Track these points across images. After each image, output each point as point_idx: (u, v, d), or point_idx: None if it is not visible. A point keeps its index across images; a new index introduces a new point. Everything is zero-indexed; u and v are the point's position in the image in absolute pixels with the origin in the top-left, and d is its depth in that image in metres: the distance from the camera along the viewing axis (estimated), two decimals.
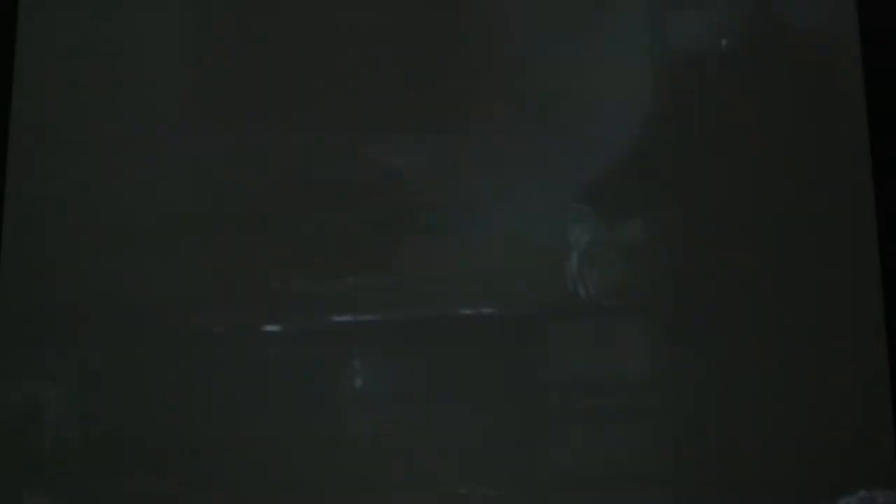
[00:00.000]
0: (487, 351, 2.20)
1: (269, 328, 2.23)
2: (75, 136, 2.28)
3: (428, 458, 2.17)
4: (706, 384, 2.15)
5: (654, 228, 2.22)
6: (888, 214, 2.23)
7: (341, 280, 2.24)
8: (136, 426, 2.19)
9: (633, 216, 2.21)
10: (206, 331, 2.23)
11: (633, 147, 2.22)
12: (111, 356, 2.22)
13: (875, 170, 2.24)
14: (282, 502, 2.16)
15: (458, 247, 2.23)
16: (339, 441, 2.20)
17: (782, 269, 2.17)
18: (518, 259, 2.19)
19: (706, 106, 2.21)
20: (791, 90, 2.21)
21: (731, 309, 2.17)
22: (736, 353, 2.15)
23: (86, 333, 2.23)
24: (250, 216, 2.25)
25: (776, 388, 2.15)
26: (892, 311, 2.20)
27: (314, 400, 2.20)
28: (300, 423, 2.19)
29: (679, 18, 2.23)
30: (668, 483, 2.16)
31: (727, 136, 2.20)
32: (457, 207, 2.25)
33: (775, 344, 2.16)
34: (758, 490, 2.12)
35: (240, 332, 2.23)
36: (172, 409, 2.20)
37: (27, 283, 2.25)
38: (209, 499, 2.17)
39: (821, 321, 2.15)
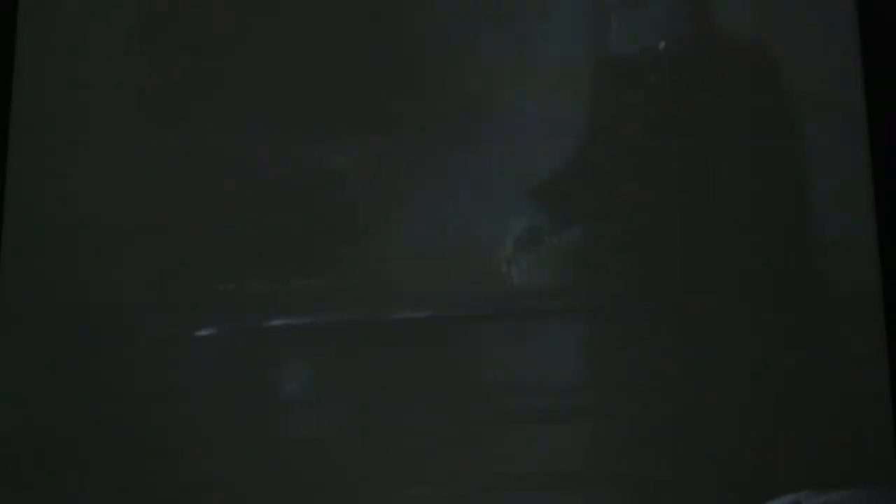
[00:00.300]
0: (425, 352, 2.19)
1: (208, 331, 2.22)
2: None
3: (365, 460, 2.16)
4: (645, 384, 2.15)
5: (591, 229, 2.22)
6: (888, 214, 2.24)
7: (281, 281, 2.23)
8: (78, 431, 2.17)
9: (571, 217, 2.21)
10: (148, 333, 2.22)
11: (571, 148, 2.21)
12: (56, 361, 2.20)
13: (875, 169, 2.25)
14: None
15: (396, 248, 2.23)
16: (279, 443, 2.18)
17: (727, 268, 2.18)
18: (456, 260, 2.19)
19: (647, 105, 2.22)
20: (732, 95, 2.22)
21: (670, 308, 2.16)
22: (675, 351, 2.15)
23: (32, 337, 2.21)
24: (190, 218, 2.24)
25: (719, 386, 2.14)
26: (891, 311, 2.20)
27: (252, 401, 2.19)
28: (240, 425, 2.18)
29: (621, 19, 2.24)
30: (604, 483, 2.15)
31: (669, 135, 2.20)
32: (395, 208, 2.24)
33: (717, 342, 2.15)
34: (695, 491, 2.12)
35: (180, 334, 2.22)
36: (116, 412, 2.18)
37: None
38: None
39: (762, 317, 2.15)
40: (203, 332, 2.22)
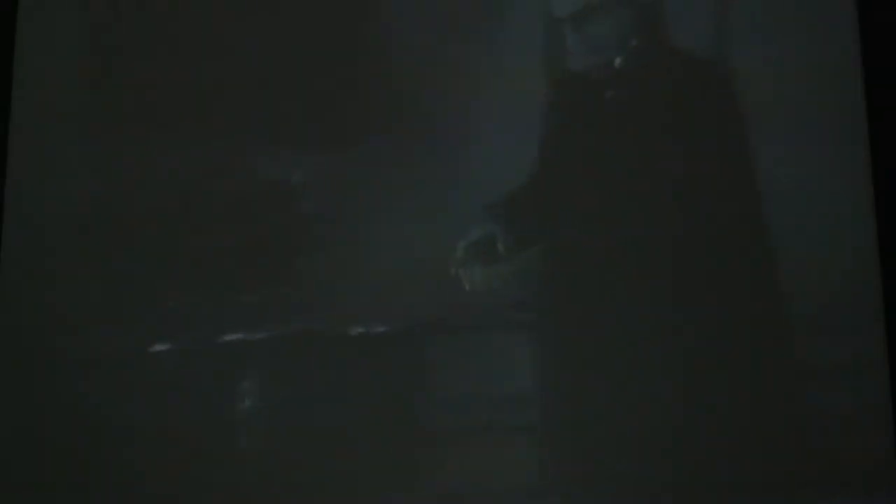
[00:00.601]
0: (380, 366, 2.19)
1: (162, 346, 2.21)
2: None
3: (320, 473, 2.15)
4: (597, 397, 2.13)
5: (545, 243, 2.21)
6: (889, 214, 2.22)
7: (230, 294, 2.23)
8: (30, 444, 2.17)
9: (524, 231, 2.20)
10: (100, 348, 2.21)
11: (528, 163, 2.21)
12: (8, 376, 2.19)
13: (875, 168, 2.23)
14: None
15: (350, 262, 2.22)
16: (230, 454, 2.18)
17: (705, 275, 2.15)
18: (410, 274, 2.19)
19: (604, 118, 2.21)
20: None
21: (623, 323, 2.14)
22: (627, 365, 2.13)
23: None
24: (142, 233, 2.24)
25: (680, 397, 2.12)
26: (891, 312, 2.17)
27: (205, 415, 2.18)
28: (193, 438, 2.17)
29: (577, 33, 2.22)
30: (560, 495, 2.14)
31: (627, 148, 2.19)
32: (349, 222, 2.24)
33: (671, 353, 2.14)
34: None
35: (131, 349, 2.21)
36: (69, 427, 2.18)
37: None
38: None
39: (726, 323, 2.14)
40: (156, 348, 2.21)
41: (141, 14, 2.32)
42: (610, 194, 2.18)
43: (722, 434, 2.12)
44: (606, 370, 2.15)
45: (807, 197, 2.23)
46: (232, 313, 2.22)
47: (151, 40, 2.31)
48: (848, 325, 2.19)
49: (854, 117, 2.25)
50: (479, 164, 2.23)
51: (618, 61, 2.15)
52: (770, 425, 2.14)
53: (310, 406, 2.18)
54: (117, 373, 2.19)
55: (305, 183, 2.27)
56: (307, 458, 2.16)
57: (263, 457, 2.18)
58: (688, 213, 2.17)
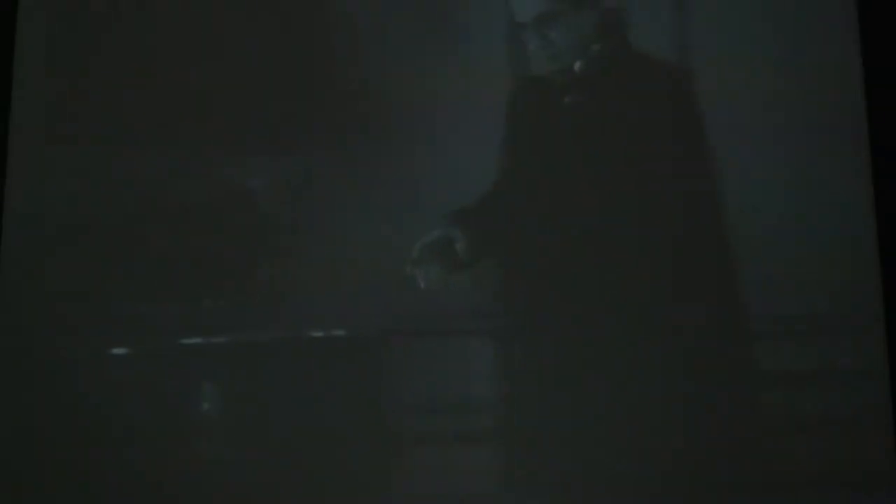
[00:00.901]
0: (341, 371, 2.17)
1: (121, 350, 2.19)
2: None
3: (280, 478, 2.14)
4: (556, 404, 2.12)
5: (504, 246, 2.20)
6: (888, 215, 2.20)
7: (192, 299, 2.21)
8: None
9: (483, 234, 2.18)
10: (61, 353, 2.19)
11: (485, 166, 2.20)
12: None
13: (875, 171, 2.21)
14: None
15: (311, 267, 2.21)
16: (192, 459, 2.16)
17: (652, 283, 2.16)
18: (371, 280, 2.17)
19: (565, 123, 2.21)
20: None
21: (594, 326, 2.13)
22: (607, 368, 2.11)
23: None
24: (102, 237, 2.23)
25: (646, 404, 2.10)
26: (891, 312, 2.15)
27: (167, 419, 2.17)
28: (153, 442, 2.15)
29: (539, 39, 2.20)
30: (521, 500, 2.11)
31: (587, 154, 2.18)
32: (310, 227, 2.23)
33: (630, 361, 2.12)
34: None
35: (92, 353, 2.19)
36: (29, 431, 2.15)
37: None
38: None
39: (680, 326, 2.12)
40: (117, 352, 2.18)
41: (104, 23, 2.32)
42: (570, 199, 2.16)
43: (700, 436, 2.11)
44: (575, 373, 2.13)
45: (805, 198, 2.21)
46: (193, 318, 2.20)
47: (115, 47, 2.30)
48: (848, 327, 2.17)
49: (854, 117, 2.23)
50: (440, 169, 2.21)
51: (578, 66, 2.15)
52: (758, 427, 2.14)
53: (272, 410, 2.17)
54: (79, 377, 2.18)
55: (266, 188, 2.26)
56: (269, 463, 2.15)
57: (225, 461, 2.16)
58: (650, 217, 2.15)
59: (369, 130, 2.25)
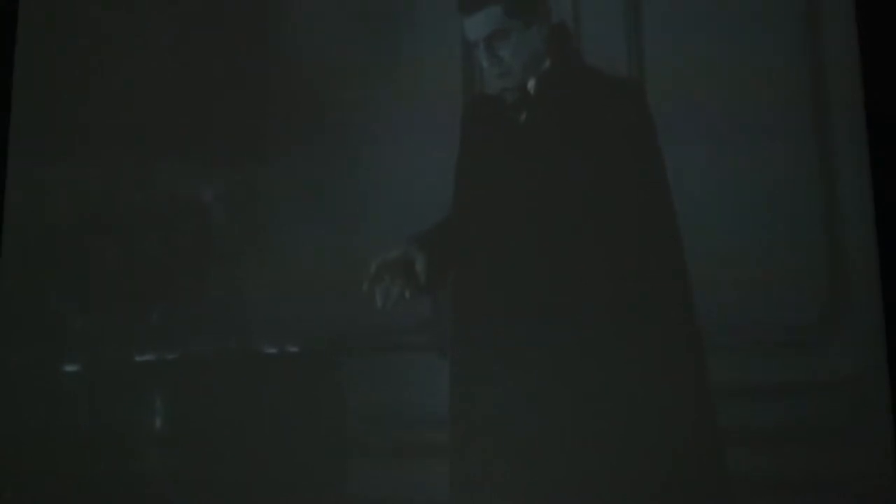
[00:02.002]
0: (291, 385, 2.15)
1: (69, 366, 2.17)
2: None
3: (230, 490, 2.10)
4: (512, 418, 2.06)
5: (463, 265, 2.13)
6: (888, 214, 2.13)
7: (140, 312, 2.18)
8: None
9: (445, 260, 2.13)
10: (10, 367, 2.16)
11: (441, 183, 2.16)
12: None
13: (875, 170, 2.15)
14: None
15: (261, 280, 2.19)
16: (143, 474, 2.12)
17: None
18: (322, 293, 2.15)
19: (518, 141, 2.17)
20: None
21: (540, 342, 2.06)
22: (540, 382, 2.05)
23: None
24: (50, 249, 2.21)
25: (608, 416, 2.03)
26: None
27: (113, 435, 2.13)
28: (106, 459, 2.12)
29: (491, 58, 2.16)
30: None
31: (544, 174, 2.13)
32: (260, 240, 2.21)
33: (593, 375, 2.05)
34: None
35: (40, 367, 2.17)
36: None
37: None
38: None
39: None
40: (66, 367, 2.16)
41: (58, 39, 2.32)
42: (527, 216, 2.13)
43: (662, 448, 2.05)
44: (533, 388, 2.09)
45: (802, 201, 2.17)
46: (142, 331, 2.19)
47: (70, 60, 2.30)
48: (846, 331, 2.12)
49: (854, 118, 2.19)
50: (395, 183, 2.20)
51: (531, 84, 2.14)
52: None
53: (220, 424, 2.14)
54: (29, 391, 2.16)
55: (216, 200, 2.24)
56: (222, 477, 2.12)
57: (179, 476, 2.14)
58: (609, 233, 2.11)
59: (324, 143, 2.25)
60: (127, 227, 2.22)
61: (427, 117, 2.21)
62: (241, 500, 2.10)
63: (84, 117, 2.26)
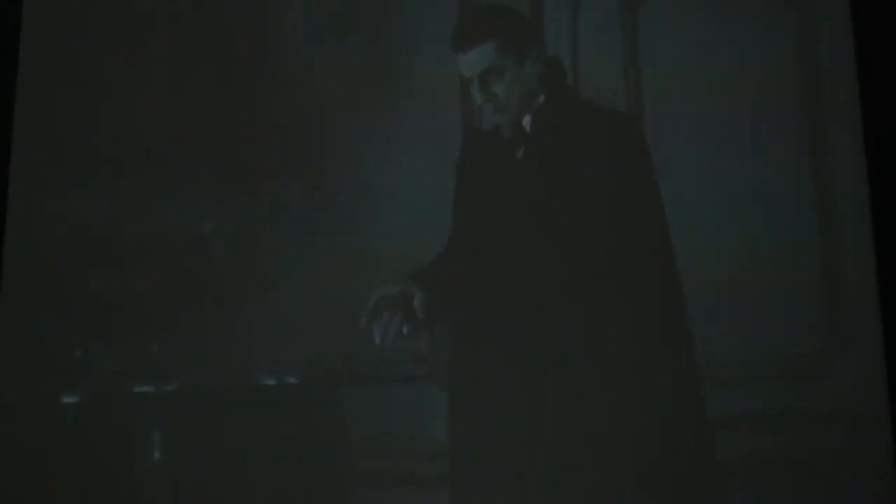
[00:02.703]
0: (290, 417, 2.17)
1: (71, 398, 2.17)
2: None
3: None
4: (506, 449, 2.06)
5: (461, 303, 2.12)
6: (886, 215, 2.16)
7: (141, 344, 2.20)
8: None
9: (444, 298, 2.10)
10: (11, 398, 2.17)
11: (440, 219, 2.17)
12: None
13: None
14: None
15: (261, 312, 2.21)
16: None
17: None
18: (321, 325, 2.16)
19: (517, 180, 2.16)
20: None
21: (537, 374, 2.05)
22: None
23: None
24: (51, 283, 2.22)
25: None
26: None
27: (110, 468, 2.14)
28: (105, 490, 2.14)
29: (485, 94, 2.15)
30: None
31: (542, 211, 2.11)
32: (260, 273, 2.23)
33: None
34: None
35: (44, 400, 2.18)
36: None
37: None
38: None
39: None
40: (65, 399, 2.17)
41: (56, 73, 2.33)
42: (525, 251, 2.12)
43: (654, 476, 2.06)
44: (527, 419, 2.08)
45: (803, 231, 2.21)
46: (142, 362, 2.20)
47: (68, 94, 2.32)
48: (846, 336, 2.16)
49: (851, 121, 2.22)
50: (391, 221, 2.24)
51: (527, 121, 2.13)
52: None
53: (221, 455, 2.16)
54: (29, 422, 2.18)
55: (217, 234, 2.26)
56: None
57: None
58: (605, 270, 2.10)
59: (324, 177, 2.27)
60: (128, 258, 2.23)
61: (427, 153, 2.23)
62: None
63: (86, 150, 2.28)
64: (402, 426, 2.14)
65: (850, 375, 2.12)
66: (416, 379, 2.17)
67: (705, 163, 2.20)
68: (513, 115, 2.13)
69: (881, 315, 2.11)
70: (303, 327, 2.18)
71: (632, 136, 2.12)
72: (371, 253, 2.20)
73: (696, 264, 2.14)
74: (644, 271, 2.07)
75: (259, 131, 2.27)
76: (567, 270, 2.07)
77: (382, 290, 2.05)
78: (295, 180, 2.26)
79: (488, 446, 2.07)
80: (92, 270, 2.23)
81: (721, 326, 2.14)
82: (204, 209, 2.25)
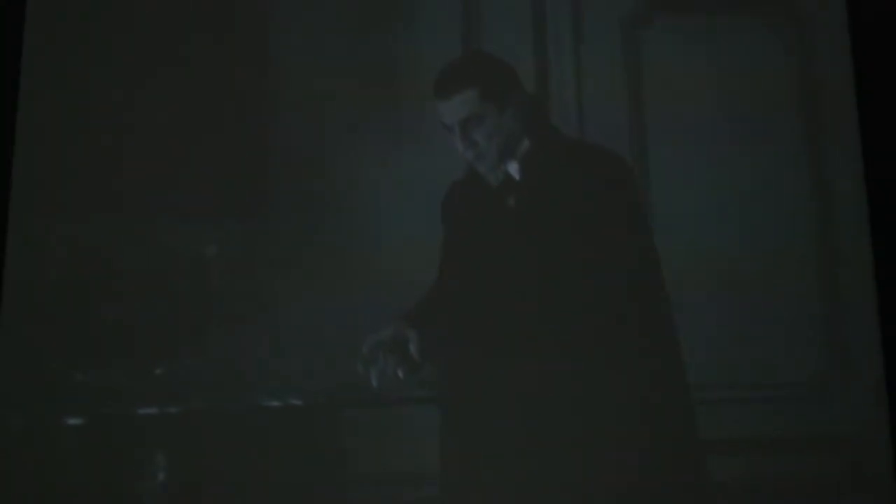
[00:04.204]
0: (294, 439, 2.19)
1: (74, 420, 2.19)
2: None
3: None
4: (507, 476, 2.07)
5: (455, 347, 2.13)
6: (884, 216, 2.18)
7: (144, 367, 2.22)
8: None
9: (439, 340, 2.11)
10: (12, 423, 2.19)
11: (432, 260, 2.17)
12: None
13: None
14: None
15: (263, 335, 2.23)
16: None
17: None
18: (324, 348, 2.19)
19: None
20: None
21: (533, 401, 2.06)
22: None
23: None
24: (54, 306, 2.24)
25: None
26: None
27: (115, 493, 2.16)
28: None
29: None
30: None
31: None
32: (262, 295, 2.25)
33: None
34: None
35: (40, 425, 2.19)
36: None
37: None
38: None
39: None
40: (70, 421, 2.19)
41: (60, 94, 2.32)
42: (519, 297, 2.11)
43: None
44: (525, 444, 2.09)
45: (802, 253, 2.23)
46: (145, 386, 2.22)
47: (71, 118, 2.31)
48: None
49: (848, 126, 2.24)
50: (388, 241, 2.26)
51: (513, 167, 2.13)
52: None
53: (224, 478, 2.17)
54: (33, 446, 2.19)
55: (219, 257, 2.28)
56: None
57: None
58: (598, 311, 2.10)
59: (324, 203, 2.30)
60: (129, 282, 2.24)
61: (421, 194, 2.24)
62: None
63: (86, 177, 2.28)
64: (402, 447, 2.17)
65: (849, 398, 2.15)
66: (418, 401, 2.19)
67: (707, 174, 2.24)
68: (493, 163, 2.12)
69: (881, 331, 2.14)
70: (303, 350, 2.20)
71: (622, 177, 2.12)
72: (373, 274, 2.22)
73: (693, 281, 2.17)
74: (638, 312, 2.07)
75: (261, 159, 2.30)
76: (562, 312, 2.07)
77: (376, 333, 2.05)
78: (297, 207, 2.29)
79: (480, 470, 2.08)
80: (94, 294, 2.25)
81: (719, 347, 2.17)
82: (205, 235, 2.27)
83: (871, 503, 2.08)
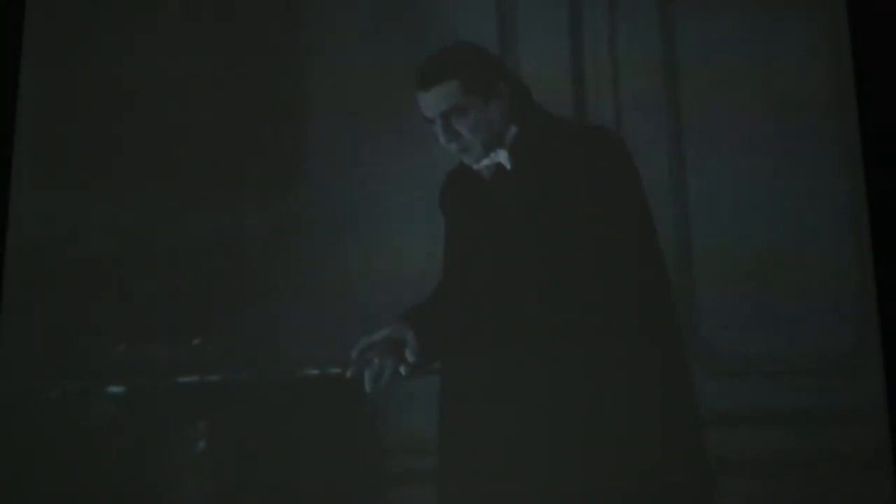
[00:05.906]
0: (325, 410, 2.20)
1: (116, 388, 2.24)
2: None
3: None
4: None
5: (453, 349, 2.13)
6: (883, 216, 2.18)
7: (183, 339, 2.28)
8: None
9: (435, 341, 2.09)
10: (59, 390, 2.26)
11: (432, 257, 2.18)
12: None
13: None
14: None
15: (296, 308, 2.25)
16: (184, 497, 2.20)
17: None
18: (354, 322, 2.16)
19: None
20: None
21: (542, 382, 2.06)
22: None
23: None
24: (94, 281, 2.29)
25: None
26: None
27: (156, 461, 2.21)
28: (150, 480, 2.20)
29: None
30: None
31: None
32: (293, 270, 2.28)
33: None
34: None
35: (80, 394, 2.25)
36: (28, 471, 2.22)
37: None
38: None
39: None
40: (111, 390, 2.25)
41: (98, 75, 2.39)
42: (519, 288, 2.11)
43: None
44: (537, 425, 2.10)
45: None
46: (184, 358, 2.27)
47: (110, 97, 2.38)
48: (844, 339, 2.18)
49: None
50: (387, 255, 2.28)
51: (503, 156, 2.11)
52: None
53: (258, 448, 2.21)
54: (76, 414, 2.24)
55: (252, 234, 2.31)
56: (253, 499, 2.20)
57: (216, 498, 2.21)
58: (600, 298, 2.09)
59: (354, 176, 2.33)
60: (170, 259, 2.30)
61: (419, 188, 2.27)
62: None
63: (125, 160, 2.34)
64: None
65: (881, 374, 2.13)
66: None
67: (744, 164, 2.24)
68: (479, 155, 2.11)
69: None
70: (337, 324, 2.21)
71: (615, 153, 2.10)
72: (399, 252, 2.25)
73: (719, 265, 2.20)
74: (639, 298, 2.06)
75: (295, 134, 2.34)
76: (563, 303, 2.05)
77: (370, 336, 2.05)
78: (329, 180, 2.32)
79: (478, 447, 2.09)
80: (135, 268, 2.31)
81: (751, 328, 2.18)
82: (242, 210, 2.32)
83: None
